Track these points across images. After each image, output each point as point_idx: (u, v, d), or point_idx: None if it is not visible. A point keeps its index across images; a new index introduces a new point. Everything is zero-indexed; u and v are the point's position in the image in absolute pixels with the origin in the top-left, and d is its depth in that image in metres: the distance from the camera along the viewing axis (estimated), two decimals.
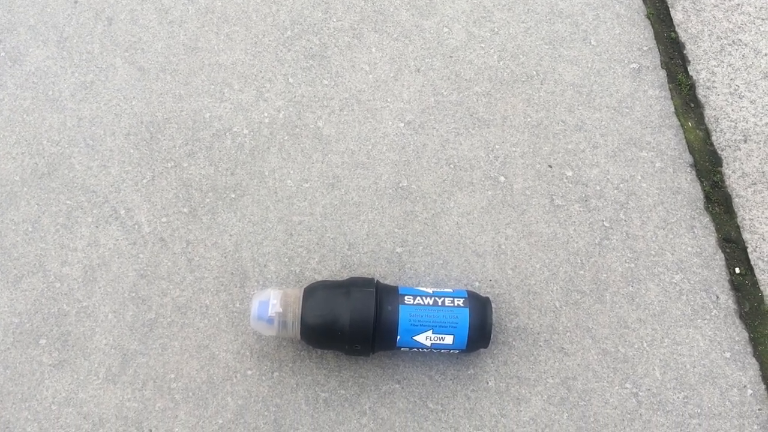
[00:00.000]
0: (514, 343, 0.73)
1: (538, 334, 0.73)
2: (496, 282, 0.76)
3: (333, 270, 0.76)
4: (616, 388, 0.71)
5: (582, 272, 0.76)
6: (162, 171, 0.81)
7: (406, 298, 0.68)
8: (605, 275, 0.76)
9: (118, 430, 0.68)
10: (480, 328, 0.67)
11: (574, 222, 0.79)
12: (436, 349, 0.68)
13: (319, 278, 0.75)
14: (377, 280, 0.69)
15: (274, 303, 0.67)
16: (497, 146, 0.84)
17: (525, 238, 0.78)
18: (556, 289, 0.75)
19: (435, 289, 0.69)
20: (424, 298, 0.68)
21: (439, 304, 0.68)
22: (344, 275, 0.76)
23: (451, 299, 0.68)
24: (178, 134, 0.83)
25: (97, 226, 0.78)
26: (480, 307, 0.68)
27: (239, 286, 0.75)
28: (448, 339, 0.67)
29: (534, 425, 0.69)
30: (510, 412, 0.69)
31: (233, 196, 0.80)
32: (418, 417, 0.69)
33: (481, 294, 0.74)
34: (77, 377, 0.70)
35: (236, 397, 0.69)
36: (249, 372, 0.71)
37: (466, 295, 0.69)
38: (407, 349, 0.68)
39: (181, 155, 0.82)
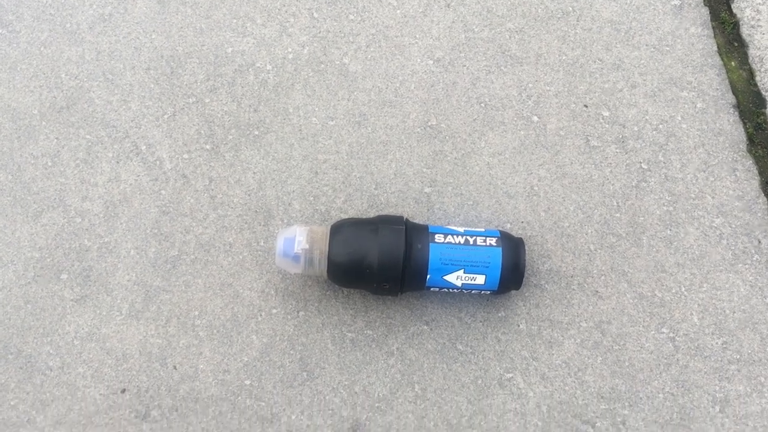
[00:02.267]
0: (546, 285, 0.70)
1: (572, 277, 0.71)
2: (528, 224, 0.73)
3: (359, 209, 0.74)
4: (652, 332, 0.68)
5: (618, 215, 0.74)
6: (183, 107, 0.78)
7: (436, 236, 0.65)
8: (642, 218, 0.73)
9: (142, 365, 0.67)
10: (513, 269, 0.65)
11: (611, 163, 0.76)
12: (466, 290, 0.66)
13: (345, 217, 0.73)
14: (406, 218, 0.67)
15: (300, 240, 0.65)
16: (530, 85, 0.80)
17: (559, 180, 0.75)
18: (591, 231, 0.73)
19: (467, 228, 0.67)
20: (455, 236, 0.65)
21: (471, 243, 0.65)
22: (371, 215, 0.73)
23: (484, 239, 0.66)
24: (200, 69, 0.80)
25: (117, 162, 0.75)
26: (513, 248, 0.66)
27: (263, 225, 0.73)
28: (480, 279, 0.65)
29: (566, 368, 0.67)
30: (542, 355, 0.68)
31: (257, 133, 0.77)
32: (447, 359, 0.67)
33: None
34: (100, 312, 0.69)
35: (261, 335, 0.68)
36: (274, 311, 0.69)
37: (499, 235, 0.66)
38: (437, 289, 0.66)
39: (203, 91, 0.79)
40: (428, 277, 0.64)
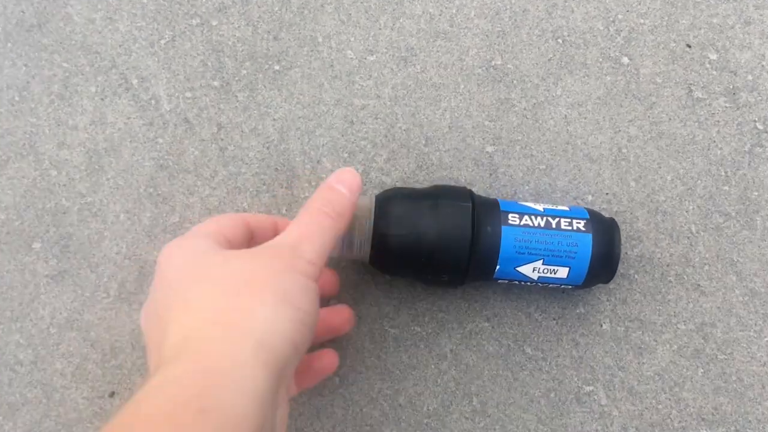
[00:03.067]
0: (636, 276, 0.57)
1: (668, 266, 0.57)
2: (614, 196, 0.59)
3: (405, 171, 0.59)
4: (766, 339, 0.55)
5: (726, 188, 0.59)
6: (185, 30, 0.62)
7: (510, 216, 0.51)
8: (756, 193, 0.59)
9: (135, 362, 0.54)
10: (605, 260, 0.51)
11: (718, 122, 0.61)
12: (542, 283, 0.52)
13: (389, 181, 0.59)
14: (471, 191, 0.52)
15: None
16: (620, 16, 0.64)
17: (653, 141, 0.60)
18: (693, 208, 0.59)
19: (546, 206, 0.53)
20: (533, 217, 0.51)
21: (553, 226, 0.51)
22: (420, 178, 0.59)
23: (569, 221, 0.52)
24: None
25: (102, 99, 0.60)
26: (606, 233, 0.52)
27: (285, 186, 0.58)
28: (562, 272, 0.51)
29: (660, 382, 0.54)
30: (630, 364, 0.55)
31: (277, 68, 0.62)
32: (512, 365, 0.55)
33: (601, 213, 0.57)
34: (82, 293, 0.55)
35: None
36: None
37: (588, 216, 0.52)
38: (505, 281, 0.52)
39: (209, 10, 0.63)
40: (497, 267, 0.51)
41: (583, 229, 0.51)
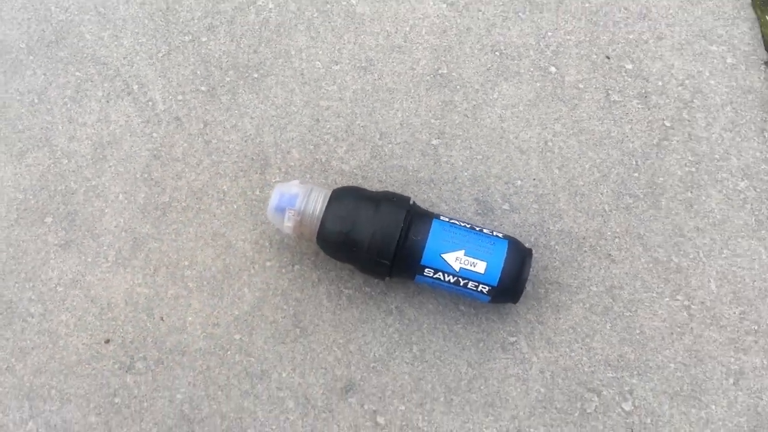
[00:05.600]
0: (556, 247, 0.66)
1: (584, 239, 0.67)
2: (540, 181, 0.69)
3: (362, 160, 0.70)
4: (666, 299, 0.64)
5: (636, 174, 0.69)
6: (179, 45, 0.74)
7: (441, 216, 0.61)
8: (662, 179, 0.69)
9: (128, 315, 0.64)
10: (517, 262, 0.60)
11: (631, 120, 0.71)
12: (463, 279, 0.60)
13: (347, 168, 0.69)
14: (414, 202, 0.62)
15: (294, 198, 0.60)
16: (549, 33, 0.75)
17: (575, 136, 0.71)
18: (607, 191, 0.68)
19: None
20: (460, 222, 0.62)
21: (476, 230, 0.61)
22: (374, 166, 0.69)
23: (490, 231, 0.62)
24: (197, 5, 0.75)
25: (107, 101, 0.71)
26: (520, 248, 0.61)
27: (259, 173, 0.69)
28: (480, 266, 0.59)
29: (573, 334, 0.63)
30: (548, 319, 0.64)
31: (256, 75, 0.73)
32: (448, 319, 0.64)
33: (525, 195, 0.67)
34: (85, 259, 0.66)
35: (254, 288, 0.65)
36: (268, 263, 0.66)
37: (508, 239, 0.62)
38: (430, 274, 0.61)
39: (200, 29, 0.74)
40: (424, 252, 0.59)
41: (501, 237, 0.61)
